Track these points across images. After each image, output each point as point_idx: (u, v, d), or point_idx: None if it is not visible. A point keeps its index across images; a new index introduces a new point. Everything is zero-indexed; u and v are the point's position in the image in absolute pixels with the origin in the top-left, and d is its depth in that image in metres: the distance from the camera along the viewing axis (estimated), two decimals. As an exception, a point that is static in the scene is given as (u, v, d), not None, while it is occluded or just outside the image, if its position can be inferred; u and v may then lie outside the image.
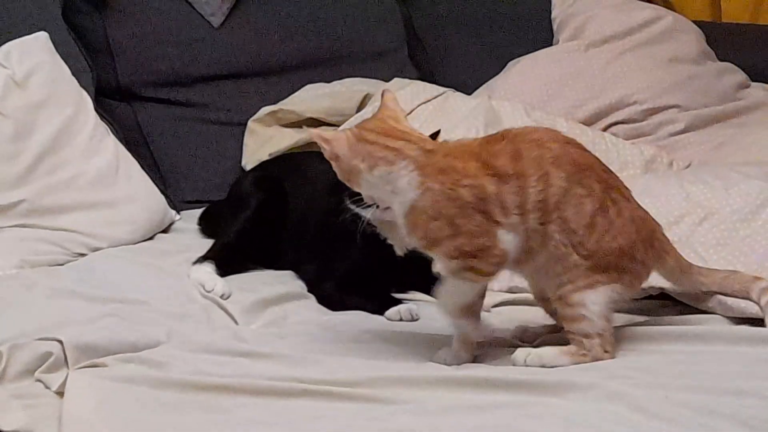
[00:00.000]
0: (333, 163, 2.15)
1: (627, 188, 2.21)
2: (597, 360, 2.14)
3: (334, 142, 2.13)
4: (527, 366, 2.14)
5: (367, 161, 2.12)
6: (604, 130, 3.54)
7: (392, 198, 2.13)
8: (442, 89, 3.41)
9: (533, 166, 2.11)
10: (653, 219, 2.24)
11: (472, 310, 2.21)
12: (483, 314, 2.28)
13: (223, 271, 2.69)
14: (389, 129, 2.15)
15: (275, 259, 2.80)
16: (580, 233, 2.11)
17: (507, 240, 2.12)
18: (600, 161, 2.20)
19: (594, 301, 2.13)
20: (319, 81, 3.47)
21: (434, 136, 2.76)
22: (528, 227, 2.11)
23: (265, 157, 3.23)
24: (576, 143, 2.19)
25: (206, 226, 3.03)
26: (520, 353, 2.17)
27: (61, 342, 2.19)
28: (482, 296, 2.23)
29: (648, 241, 2.19)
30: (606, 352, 2.15)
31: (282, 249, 2.80)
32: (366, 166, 2.12)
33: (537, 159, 2.11)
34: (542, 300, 2.27)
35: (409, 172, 2.11)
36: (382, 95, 2.24)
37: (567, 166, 2.12)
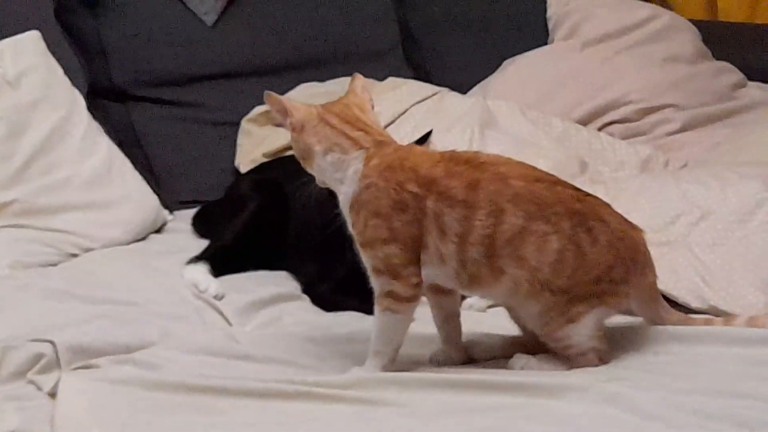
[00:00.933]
0: (294, 135, 2.14)
1: (605, 205, 2.15)
2: (593, 367, 2.13)
3: (302, 113, 2.13)
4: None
5: (323, 144, 2.11)
6: (600, 129, 3.54)
7: (339, 187, 2.13)
8: (437, 89, 3.41)
9: (487, 200, 2.05)
10: (635, 230, 2.17)
11: (449, 334, 2.21)
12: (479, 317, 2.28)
13: (218, 272, 2.69)
14: (352, 117, 2.13)
15: (271, 262, 2.79)
16: (545, 271, 2.06)
17: (426, 273, 2.10)
18: (574, 191, 2.13)
19: (579, 332, 2.10)
20: (314, 80, 3.47)
21: (426, 137, 2.76)
22: (467, 257, 2.07)
23: (260, 157, 3.22)
24: (547, 179, 2.12)
25: (200, 227, 3.03)
26: (518, 360, 2.15)
27: (53, 343, 2.18)
28: (457, 316, 2.22)
29: (630, 258, 2.13)
30: (601, 360, 2.14)
31: (278, 252, 2.79)
32: (321, 149, 2.11)
33: (494, 194, 2.06)
34: (510, 308, 2.21)
35: (358, 163, 2.10)
36: (352, 80, 2.22)
37: (528, 204, 2.06)
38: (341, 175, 2.11)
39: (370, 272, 2.12)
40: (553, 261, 2.06)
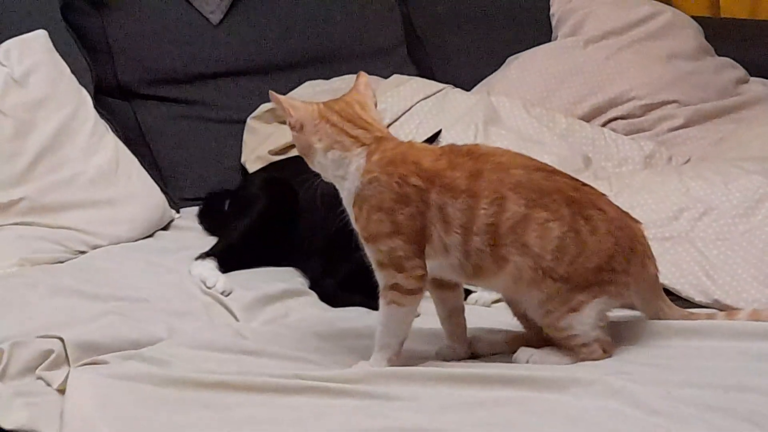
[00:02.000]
0: (294, 133, 2.16)
1: (602, 195, 2.17)
2: (597, 360, 2.14)
3: (302, 110, 2.14)
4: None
5: (323, 142, 2.13)
6: (604, 125, 3.54)
7: (341, 183, 2.14)
8: (441, 86, 3.41)
9: (489, 188, 2.08)
10: (633, 221, 2.20)
11: (453, 330, 2.22)
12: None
13: (225, 268, 2.70)
14: (353, 115, 2.15)
15: (278, 259, 2.80)
16: (548, 258, 2.08)
17: (430, 266, 2.11)
18: (571, 180, 2.16)
19: (581, 321, 2.12)
20: (319, 78, 3.47)
21: (435, 136, 2.77)
22: (471, 248, 2.09)
23: (265, 154, 3.23)
24: (546, 168, 2.16)
25: (209, 223, 3.02)
26: (522, 353, 2.17)
27: (62, 339, 2.20)
28: (461, 311, 2.23)
29: (629, 247, 2.15)
30: (605, 352, 2.15)
31: (286, 249, 2.80)
32: (322, 146, 2.13)
33: (495, 182, 2.08)
34: (512, 304, 2.24)
35: (360, 159, 2.11)
36: (357, 77, 2.23)
37: (528, 192, 2.08)
38: (343, 171, 2.13)
39: (374, 266, 2.13)
40: (554, 248, 2.08)
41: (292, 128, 2.16)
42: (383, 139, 2.14)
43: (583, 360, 2.13)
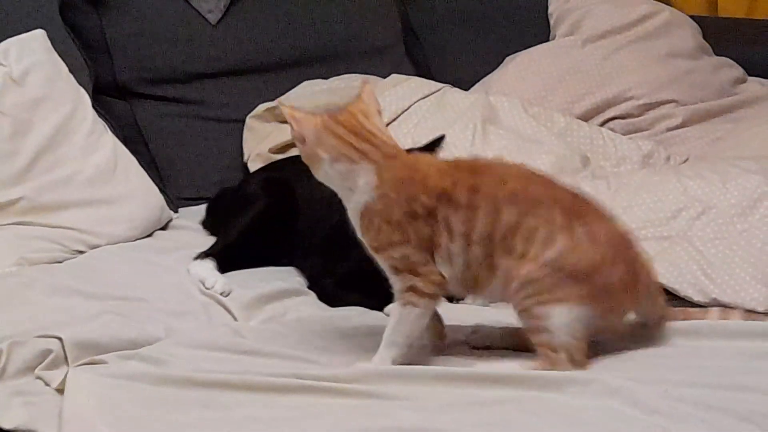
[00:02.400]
0: (298, 144, 2.16)
1: (600, 209, 2.18)
2: (563, 370, 2.09)
3: (304, 123, 2.13)
4: None
5: (330, 153, 2.12)
6: (602, 125, 3.54)
7: (348, 195, 2.14)
8: (439, 85, 3.41)
9: (486, 200, 2.10)
10: (633, 242, 2.20)
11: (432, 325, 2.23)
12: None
13: (224, 268, 2.70)
14: (358, 127, 2.14)
15: (277, 259, 2.80)
16: (531, 251, 2.09)
17: (443, 269, 2.13)
18: (571, 193, 2.17)
19: (557, 316, 2.09)
20: (317, 77, 3.47)
21: (438, 141, 2.76)
22: (471, 258, 2.11)
23: (265, 152, 3.23)
24: (544, 180, 2.17)
25: (210, 223, 3.02)
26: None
27: (60, 339, 2.19)
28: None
29: (630, 275, 2.15)
30: (572, 363, 2.10)
31: (285, 249, 2.80)
32: (328, 158, 2.12)
33: (491, 195, 2.11)
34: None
35: (369, 174, 2.11)
36: (361, 86, 2.22)
37: (522, 203, 2.10)
38: (350, 183, 2.13)
39: (389, 273, 2.15)
40: (541, 241, 2.09)
41: (295, 139, 2.16)
42: (390, 156, 2.14)
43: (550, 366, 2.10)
